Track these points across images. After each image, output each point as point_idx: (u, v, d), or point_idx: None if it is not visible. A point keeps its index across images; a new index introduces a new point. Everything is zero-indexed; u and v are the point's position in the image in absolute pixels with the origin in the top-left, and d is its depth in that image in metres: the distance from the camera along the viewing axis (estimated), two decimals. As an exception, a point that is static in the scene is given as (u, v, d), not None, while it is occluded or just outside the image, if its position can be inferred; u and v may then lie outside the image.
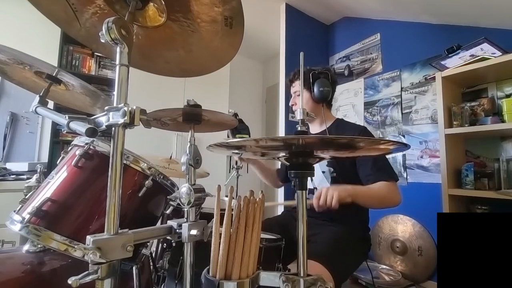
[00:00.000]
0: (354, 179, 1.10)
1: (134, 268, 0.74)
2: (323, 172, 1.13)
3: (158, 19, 0.64)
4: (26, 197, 0.74)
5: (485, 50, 1.57)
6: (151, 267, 0.94)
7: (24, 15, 1.96)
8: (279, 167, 1.54)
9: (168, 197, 0.73)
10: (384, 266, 2.06)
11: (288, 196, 2.39)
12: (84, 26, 0.65)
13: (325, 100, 1.19)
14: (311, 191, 1.16)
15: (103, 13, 0.62)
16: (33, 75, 0.71)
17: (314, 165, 1.21)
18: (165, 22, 0.64)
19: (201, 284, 0.53)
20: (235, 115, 1.12)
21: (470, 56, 1.63)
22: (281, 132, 2.57)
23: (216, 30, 0.64)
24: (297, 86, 1.23)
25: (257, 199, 0.54)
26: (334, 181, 1.10)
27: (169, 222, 0.68)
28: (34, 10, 0.59)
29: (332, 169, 1.12)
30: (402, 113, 2.24)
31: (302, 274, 0.49)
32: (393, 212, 2.12)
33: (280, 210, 2.44)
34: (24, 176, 1.70)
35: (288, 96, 2.57)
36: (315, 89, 1.15)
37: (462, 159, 1.81)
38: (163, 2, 0.61)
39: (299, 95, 1.20)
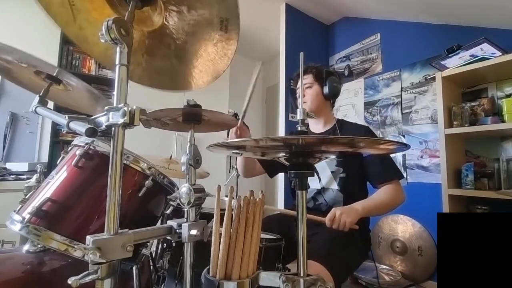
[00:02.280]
0: (360, 180, 1.11)
1: (134, 268, 0.74)
2: (332, 172, 1.13)
3: (154, 22, 0.64)
4: (26, 197, 0.74)
5: (485, 50, 1.57)
6: (151, 267, 0.94)
7: (25, 15, 1.96)
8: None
9: (168, 197, 0.73)
10: (384, 266, 2.06)
11: (288, 196, 2.39)
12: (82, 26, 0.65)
13: (335, 97, 1.20)
14: (319, 191, 1.16)
15: (105, 14, 0.62)
16: (34, 74, 0.71)
17: (323, 165, 1.20)
18: (161, 24, 0.64)
19: (201, 284, 0.53)
20: (235, 115, 1.12)
21: (470, 56, 1.63)
22: (281, 132, 2.57)
23: (211, 35, 0.64)
24: (309, 78, 1.21)
25: (257, 199, 0.54)
26: (342, 181, 1.11)
27: (169, 222, 0.68)
28: (34, 10, 0.59)
29: (341, 169, 1.12)
30: (402, 113, 2.24)
31: (302, 274, 0.49)
32: (393, 212, 2.10)
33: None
34: (24, 176, 1.70)
35: (288, 96, 2.58)
36: (328, 84, 1.15)
37: (462, 159, 1.81)
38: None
39: (307, 87, 1.20)
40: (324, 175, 1.15)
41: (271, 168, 1.32)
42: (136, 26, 0.64)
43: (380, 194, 1.03)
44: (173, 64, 0.73)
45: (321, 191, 1.16)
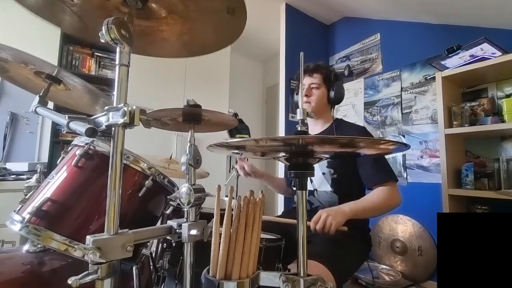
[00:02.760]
0: (354, 180, 1.10)
1: (134, 268, 0.74)
2: (323, 173, 1.13)
3: (160, 13, 0.64)
4: (26, 197, 0.74)
5: (485, 50, 1.57)
6: (151, 267, 0.94)
7: (24, 15, 1.96)
8: (284, 173, 1.53)
9: (168, 197, 0.73)
10: (384, 266, 2.06)
11: (288, 198, 2.38)
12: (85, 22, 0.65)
13: (338, 103, 1.21)
14: (311, 193, 1.16)
15: (104, 12, 0.62)
16: (33, 75, 0.71)
17: (314, 166, 1.20)
18: (167, 15, 0.64)
19: (201, 284, 0.53)
20: (235, 115, 1.12)
21: (470, 56, 1.63)
22: (281, 132, 2.57)
23: (220, 18, 0.64)
24: (318, 79, 1.19)
25: (257, 199, 0.54)
26: (335, 182, 1.10)
27: (169, 222, 0.68)
28: (34, 10, 0.59)
29: (332, 171, 1.11)
30: (402, 113, 2.24)
31: (302, 274, 0.49)
32: (393, 212, 2.11)
33: (280, 210, 2.44)
34: (24, 176, 1.69)
35: (288, 96, 2.58)
36: (335, 90, 1.16)
37: (462, 159, 1.81)
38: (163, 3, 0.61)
39: (315, 88, 1.19)
40: (315, 176, 1.14)
41: None
42: (144, 15, 0.64)
43: (373, 196, 1.00)
44: (185, 40, 0.73)
45: (313, 193, 1.15)
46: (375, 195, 1.00)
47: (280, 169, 2.35)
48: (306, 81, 1.21)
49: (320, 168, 1.14)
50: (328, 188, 1.11)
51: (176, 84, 2.54)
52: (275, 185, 1.45)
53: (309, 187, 1.15)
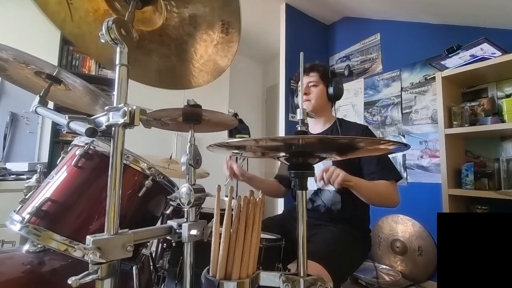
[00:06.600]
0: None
1: (134, 268, 0.74)
2: None
3: (154, 22, 0.64)
4: (26, 197, 0.74)
5: (485, 50, 1.57)
6: (151, 267, 0.94)
7: (24, 15, 1.96)
8: (277, 172, 1.42)
9: (168, 197, 0.73)
10: (384, 266, 2.06)
11: (289, 198, 2.38)
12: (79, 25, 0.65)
13: (338, 99, 1.21)
14: (316, 192, 1.15)
15: (103, 13, 0.62)
16: (33, 75, 0.71)
17: (318, 165, 1.21)
18: (162, 24, 0.64)
19: (201, 284, 0.53)
20: (235, 115, 1.12)
21: (470, 56, 1.62)
22: (281, 132, 2.57)
23: (211, 37, 0.64)
24: (316, 76, 1.20)
25: (257, 199, 0.54)
26: None
27: (169, 222, 0.68)
28: (34, 10, 0.59)
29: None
30: (402, 113, 2.24)
31: (302, 274, 0.49)
32: (393, 212, 2.12)
33: (280, 210, 2.44)
34: (24, 176, 1.70)
35: (288, 96, 2.58)
36: (334, 86, 1.16)
37: (462, 159, 1.81)
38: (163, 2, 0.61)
39: (313, 85, 1.19)
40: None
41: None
42: (135, 27, 0.64)
43: (376, 182, 1.00)
44: (174, 63, 0.73)
45: (317, 192, 1.15)
46: (378, 182, 1.00)
47: (280, 169, 2.35)
48: (304, 80, 1.21)
49: (324, 166, 1.13)
50: (331, 187, 1.11)
51: (176, 84, 2.54)
52: (264, 188, 1.34)
53: (314, 186, 1.15)
